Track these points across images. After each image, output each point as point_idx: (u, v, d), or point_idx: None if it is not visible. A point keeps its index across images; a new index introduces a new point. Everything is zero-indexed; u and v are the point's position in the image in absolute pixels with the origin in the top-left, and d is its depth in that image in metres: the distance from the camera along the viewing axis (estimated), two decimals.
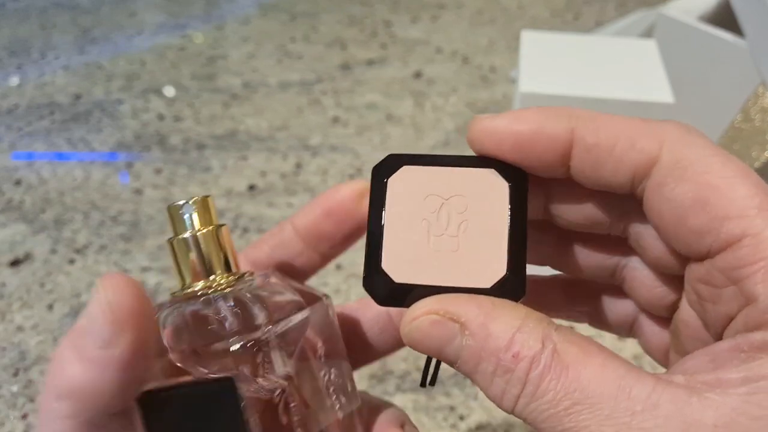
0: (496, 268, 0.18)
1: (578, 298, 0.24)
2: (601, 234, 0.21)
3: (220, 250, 0.21)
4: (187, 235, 0.21)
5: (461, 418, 0.42)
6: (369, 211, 0.19)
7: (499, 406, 0.17)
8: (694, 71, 0.56)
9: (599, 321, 0.24)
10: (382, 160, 0.20)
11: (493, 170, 0.19)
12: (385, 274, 0.19)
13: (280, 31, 0.92)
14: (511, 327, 0.16)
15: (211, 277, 0.21)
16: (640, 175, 0.18)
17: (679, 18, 0.57)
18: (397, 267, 0.19)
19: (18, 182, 0.64)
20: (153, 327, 0.18)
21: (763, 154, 0.52)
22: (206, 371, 0.19)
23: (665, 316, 0.21)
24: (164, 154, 0.67)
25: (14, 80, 0.81)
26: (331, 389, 0.22)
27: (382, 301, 0.19)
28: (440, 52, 0.86)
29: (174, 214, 0.21)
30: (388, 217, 0.19)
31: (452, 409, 0.42)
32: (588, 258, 0.22)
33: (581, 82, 0.43)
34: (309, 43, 0.88)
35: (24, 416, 0.42)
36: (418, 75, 0.80)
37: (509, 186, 0.19)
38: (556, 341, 0.16)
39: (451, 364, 0.17)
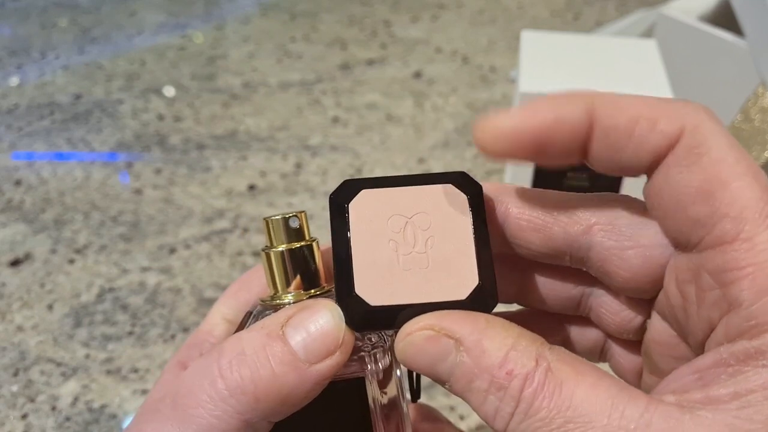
0: (469, 279, 0.19)
1: (547, 330, 0.24)
2: (562, 266, 0.21)
3: (311, 265, 0.22)
4: (283, 248, 0.22)
5: (461, 418, 0.42)
6: (333, 238, 0.19)
7: (491, 425, 0.17)
8: (694, 71, 0.56)
9: (569, 349, 0.24)
10: (338, 187, 0.20)
11: (450, 185, 0.19)
12: (360, 299, 0.19)
13: (280, 31, 0.92)
14: (505, 345, 0.16)
15: (302, 291, 0.22)
16: (660, 158, 0.17)
17: (679, 18, 0.57)
18: (370, 290, 0.19)
19: (18, 182, 0.64)
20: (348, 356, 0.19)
21: (763, 154, 0.52)
22: None
23: (636, 341, 0.22)
24: (164, 154, 0.67)
25: (14, 80, 0.81)
26: (404, 385, 0.24)
27: (359, 326, 0.19)
28: (440, 52, 0.86)
29: (273, 227, 0.22)
30: (354, 242, 0.19)
31: (452, 409, 0.42)
32: (552, 292, 0.22)
33: (581, 82, 0.43)
34: (309, 43, 0.88)
35: (24, 416, 0.42)
36: (418, 75, 0.80)
37: (468, 198, 0.19)
38: (550, 360, 0.16)
39: (443, 382, 0.17)
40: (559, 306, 0.22)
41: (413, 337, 0.17)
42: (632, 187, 0.45)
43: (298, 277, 0.22)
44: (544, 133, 0.17)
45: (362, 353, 0.21)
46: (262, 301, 0.23)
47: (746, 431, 0.14)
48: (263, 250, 0.22)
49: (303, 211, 0.23)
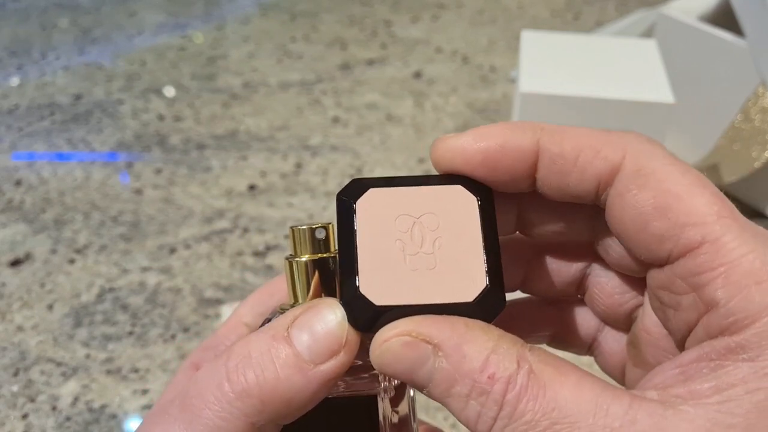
0: (477, 281, 0.18)
1: (541, 322, 0.24)
2: (567, 245, 0.22)
3: (333, 277, 0.22)
4: (306, 258, 0.22)
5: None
6: (339, 237, 0.19)
7: (473, 431, 0.16)
8: (694, 71, 0.56)
9: (560, 341, 0.24)
10: (346, 186, 0.20)
11: (459, 186, 0.19)
12: (365, 298, 0.18)
13: (280, 31, 0.92)
14: (485, 348, 0.16)
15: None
16: (604, 184, 0.18)
17: (679, 18, 0.57)
18: (375, 290, 0.18)
19: (18, 182, 0.64)
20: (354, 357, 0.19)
21: (763, 154, 0.52)
22: None
23: (624, 329, 0.22)
24: (164, 154, 0.67)
25: (14, 80, 0.81)
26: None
27: (363, 326, 0.18)
28: (440, 51, 0.86)
29: (298, 236, 0.22)
30: (360, 240, 0.19)
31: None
32: (557, 274, 0.23)
33: (581, 82, 0.43)
34: (309, 43, 0.88)
35: (24, 416, 0.42)
36: (418, 75, 0.81)
37: (478, 200, 0.19)
38: (531, 362, 0.16)
39: (421, 388, 0.17)
40: (563, 288, 0.23)
41: (390, 344, 0.17)
42: None
43: (320, 287, 0.22)
44: (491, 157, 0.19)
45: (375, 370, 0.21)
46: (282, 308, 0.22)
47: (727, 425, 0.15)
48: (287, 258, 0.22)
49: (330, 223, 0.22)
